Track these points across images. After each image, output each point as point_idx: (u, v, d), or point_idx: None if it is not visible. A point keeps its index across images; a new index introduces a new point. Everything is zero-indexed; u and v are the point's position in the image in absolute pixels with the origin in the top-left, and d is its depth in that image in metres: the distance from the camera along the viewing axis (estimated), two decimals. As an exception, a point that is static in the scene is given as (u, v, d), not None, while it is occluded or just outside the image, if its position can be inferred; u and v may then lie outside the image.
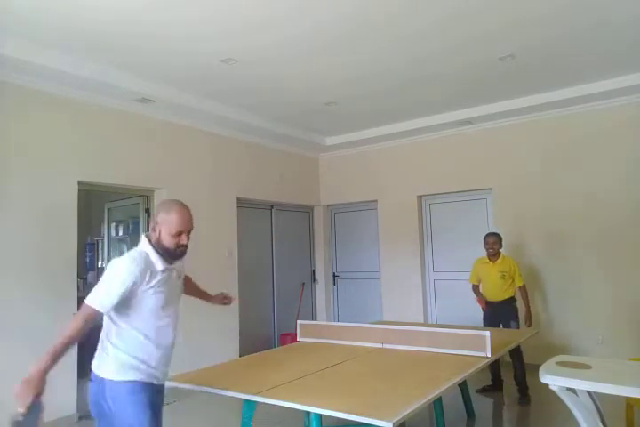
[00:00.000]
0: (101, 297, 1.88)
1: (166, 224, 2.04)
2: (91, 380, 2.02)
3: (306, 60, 4.07)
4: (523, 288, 4.52)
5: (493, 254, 4.53)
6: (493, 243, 4.53)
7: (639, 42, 3.89)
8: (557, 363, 2.55)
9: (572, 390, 2.36)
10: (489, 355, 2.86)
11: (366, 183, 6.70)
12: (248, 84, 4.59)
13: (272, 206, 6.51)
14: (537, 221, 5.37)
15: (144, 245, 2.07)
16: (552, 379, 2.32)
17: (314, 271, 7.15)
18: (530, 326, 4.45)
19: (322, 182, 7.18)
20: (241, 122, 5.42)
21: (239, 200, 5.79)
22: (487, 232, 4.74)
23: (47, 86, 4.00)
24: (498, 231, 4.75)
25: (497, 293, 4.47)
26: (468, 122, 5.67)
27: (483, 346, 2.89)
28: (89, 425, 3.96)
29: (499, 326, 4.36)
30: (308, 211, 7.18)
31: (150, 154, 4.83)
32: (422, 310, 6.10)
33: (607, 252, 4.95)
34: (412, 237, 6.26)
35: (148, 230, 2.16)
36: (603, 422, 2.43)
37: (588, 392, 2.39)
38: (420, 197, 6.31)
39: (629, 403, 3.08)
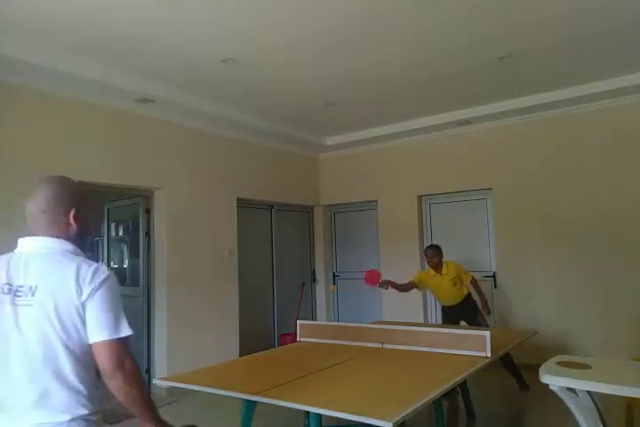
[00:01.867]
0: (125, 321, 1.39)
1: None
2: None
3: (306, 60, 4.07)
4: (473, 282, 4.65)
5: (435, 267, 4.63)
6: (432, 255, 4.64)
7: (639, 42, 3.89)
8: (557, 363, 2.55)
9: (572, 390, 2.37)
10: (489, 355, 2.86)
11: (366, 183, 6.70)
12: (248, 84, 4.59)
13: (272, 206, 6.51)
14: (537, 221, 5.37)
15: (74, 251, 1.45)
16: (552, 379, 2.32)
17: (314, 271, 7.15)
18: (489, 313, 4.62)
19: (322, 182, 7.18)
20: (241, 122, 5.42)
21: (239, 200, 5.79)
22: (427, 245, 4.93)
23: (47, 86, 4.00)
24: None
25: (454, 298, 4.64)
26: (468, 122, 5.66)
27: (483, 346, 2.89)
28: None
29: (458, 324, 4.55)
30: (308, 211, 7.18)
31: (150, 154, 4.83)
32: (422, 310, 6.10)
33: (607, 251, 4.95)
34: (412, 237, 6.26)
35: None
36: (603, 422, 2.43)
37: (588, 392, 2.40)
38: (420, 197, 6.31)
39: (629, 403, 3.08)
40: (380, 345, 3.26)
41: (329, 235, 7.26)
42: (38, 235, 1.43)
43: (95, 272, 1.35)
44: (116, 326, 1.34)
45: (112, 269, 5.70)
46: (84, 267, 1.36)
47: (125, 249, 5.68)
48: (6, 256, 1.45)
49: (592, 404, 2.43)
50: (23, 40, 3.52)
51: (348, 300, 7.04)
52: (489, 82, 4.69)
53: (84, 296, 1.32)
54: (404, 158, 6.37)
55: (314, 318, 7.00)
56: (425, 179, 6.19)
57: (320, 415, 2.14)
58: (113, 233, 5.85)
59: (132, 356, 1.37)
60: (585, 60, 4.22)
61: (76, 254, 1.42)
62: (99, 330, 1.32)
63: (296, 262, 6.87)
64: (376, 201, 6.64)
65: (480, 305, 4.63)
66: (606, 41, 3.85)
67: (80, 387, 1.35)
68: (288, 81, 4.54)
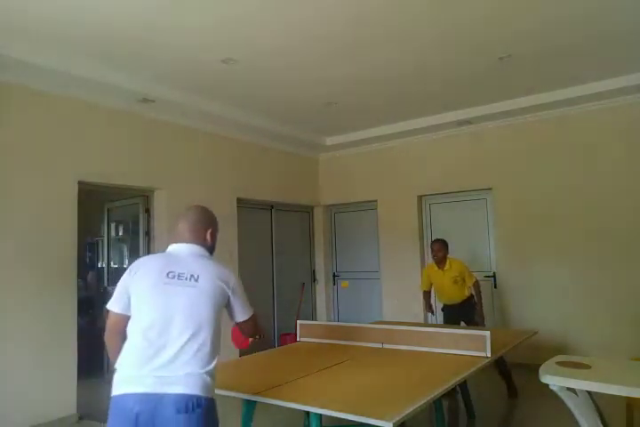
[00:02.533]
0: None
1: (218, 227, 2.15)
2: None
3: (307, 60, 4.07)
4: (475, 285, 4.62)
5: (439, 261, 4.61)
6: (437, 250, 4.61)
7: (639, 42, 3.89)
8: (557, 363, 2.55)
9: (572, 390, 2.36)
10: (489, 355, 2.86)
11: (366, 183, 6.69)
12: (248, 84, 4.59)
13: (272, 206, 6.50)
14: (537, 221, 5.37)
15: (210, 257, 2.06)
16: (552, 379, 2.32)
17: (314, 271, 7.15)
18: (481, 320, 4.59)
19: (322, 182, 7.17)
20: (241, 122, 5.42)
21: (239, 200, 5.79)
22: (434, 239, 4.87)
23: (47, 86, 4.00)
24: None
25: (453, 297, 4.60)
26: (468, 122, 5.66)
27: (483, 346, 2.89)
28: (89, 425, 3.96)
29: (459, 324, 4.53)
30: (308, 211, 7.18)
31: (150, 154, 4.83)
32: (422, 310, 6.09)
33: (607, 251, 4.95)
34: (411, 237, 6.26)
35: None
36: (603, 422, 2.43)
37: (588, 392, 2.39)
38: (420, 197, 6.31)
39: (629, 403, 3.07)
40: (380, 345, 3.26)
41: (329, 235, 7.26)
42: (186, 242, 2.01)
43: (232, 273, 2.02)
44: (249, 308, 2.06)
45: (113, 269, 5.69)
46: (225, 268, 2.01)
47: (125, 249, 5.67)
48: (158, 254, 2.13)
49: (592, 404, 2.43)
50: (23, 41, 3.52)
51: (348, 300, 7.04)
52: (489, 82, 4.69)
53: (230, 287, 1.96)
54: (404, 158, 6.37)
55: (314, 318, 6.99)
56: (425, 179, 6.19)
57: (320, 415, 2.13)
58: (113, 233, 5.85)
59: (259, 322, 2.14)
60: (585, 60, 4.22)
61: (210, 258, 2.04)
62: (244, 313, 2.03)
63: (296, 262, 6.87)
64: (376, 201, 6.63)
65: (477, 311, 4.61)
66: (606, 41, 3.85)
67: (212, 349, 1.86)
68: (288, 81, 4.53)
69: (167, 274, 1.89)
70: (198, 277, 1.89)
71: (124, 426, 1.72)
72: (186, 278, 1.88)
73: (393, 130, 6.05)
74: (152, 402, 1.71)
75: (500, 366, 4.25)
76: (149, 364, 1.75)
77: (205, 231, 2.05)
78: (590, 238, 5.04)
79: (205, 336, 1.84)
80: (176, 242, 2.02)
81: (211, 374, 1.84)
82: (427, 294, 4.81)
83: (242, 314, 2.02)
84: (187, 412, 1.71)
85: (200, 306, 1.85)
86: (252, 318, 2.07)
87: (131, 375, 1.76)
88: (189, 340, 1.80)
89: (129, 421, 1.70)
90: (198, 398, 1.75)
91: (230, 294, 1.96)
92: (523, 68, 4.37)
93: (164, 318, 1.82)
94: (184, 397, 1.72)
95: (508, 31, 3.65)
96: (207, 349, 1.84)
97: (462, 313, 4.59)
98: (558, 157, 5.28)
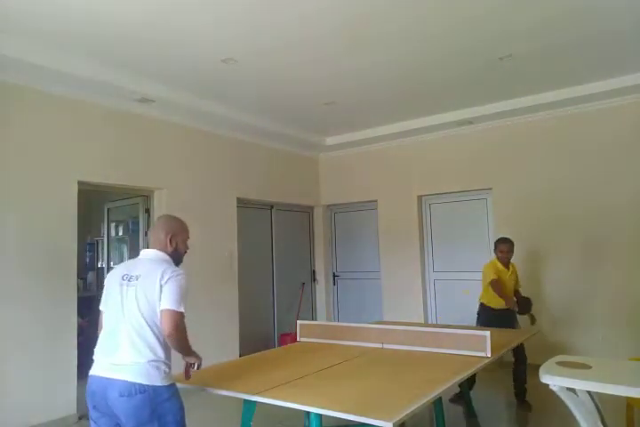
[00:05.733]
0: (183, 303, 2.15)
1: (183, 233, 2.37)
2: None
3: (306, 59, 4.06)
4: (518, 291, 4.50)
5: (506, 262, 4.33)
6: (508, 251, 4.28)
7: (639, 42, 3.89)
8: (557, 363, 2.55)
9: (572, 390, 2.36)
10: (489, 355, 2.86)
11: (366, 183, 6.69)
12: (248, 84, 4.59)
13: (272, 206, 6.51)
14: (537, 221, 5.36)
15: (169, 260, 2.27)
16: (552, 379, 2.32)
17: (314, 271, 7.15)
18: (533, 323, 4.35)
19: (322, 182, 7.18)
20: (241, 122, 5.42)
21: (239, 200, 5.79)
22: (500, 237, 4.40)
23: (47, 86, 4.00)
24: (505, 234, 4.58)
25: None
26: (468, 122, 5.66)
27: (483, 346, 2.88)
28: (89, 426, 3.95)
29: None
30: (308, 211, 7.18)
31: (150, 154, 4.83)
32: (422, 310, 6.10)
33: (607, 251, 4.95)
34: (412, 237, 6.26)
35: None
36: (603, 422, 2.43)
37: (588, 392, 2.39)
38: (420, 197, 6.31)
39: (629, 403, 3.08)
40: (380, 345, 3.26)
41: (329, 235, 7.26)
42: (151, 248, 2.30)
43: (172, 271, 2.15)
44: (177, 303, 2.09)
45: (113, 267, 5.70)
46: (168, 269, 2.16)
47: (125, 249, 5.67)
48: (127, 261, 2.41)
49: (592, 404, 2.43)
50: (24, 40, 3.52)
51: (348, 300, 7.05)
52: (489, 82, 4.69)
53: (163, 282, 2.10)
54: (404, 158, 6.37)
55: (314, 318, 6.99)
56: (425, 179, 6.19)
57: (320, 415, 2.13)
58: (113, 233, 5.85)
59: (184, 324, 2.11)
60: (585, 60, 4.22)
61: (168, 263, 2.24)
62: (166, 302, 2.08)
63: (296, 262, 6.87)
64: (376, 201, 6.63)
65: (529, 315, 4.31)
66: (606, 41, 3.85)
67: (155, 341, 2.08)
68: (288, 80, 4.53)
69: (122, 277, 2.19)
70: (139, 276, 2.14)
71: (88, 400, 2.12)
72: (133, 279, 2.15)
73: (393, 130, 6.05)
74: (103, 384, 2.04)
75: (518, 379, 4.06)
76: (106, 353, 2.12)
77: (166, 238, 2.29)
78: (590, 238, 5.04)
79: (146, 329, 2.08)
80: (145, 248, 2.35)
81: (156, 364, 2.06)
82: (497, 282, 4.17)
83: (166, 302, 2.08)
84: (129, 396, 1.98)
85: (139, 301, 2.09)
86: (174, 313, 2.08)
87: (95, 361, 2.14)
88: (133, 332, 2.07)
89: (90, 397, 2.10)
90: (140, 385, 2.00)
91: (162, 284, 2.10)
92: (523, 68, 4.37)
93: (116, 315, 2.13)
94: (126, 383, 1.99)
95: (508, 31, 3.65)
96: (150, 340, 2.07)
97: (507, 319, 4.20)
98: (558, 157, 5.28)
